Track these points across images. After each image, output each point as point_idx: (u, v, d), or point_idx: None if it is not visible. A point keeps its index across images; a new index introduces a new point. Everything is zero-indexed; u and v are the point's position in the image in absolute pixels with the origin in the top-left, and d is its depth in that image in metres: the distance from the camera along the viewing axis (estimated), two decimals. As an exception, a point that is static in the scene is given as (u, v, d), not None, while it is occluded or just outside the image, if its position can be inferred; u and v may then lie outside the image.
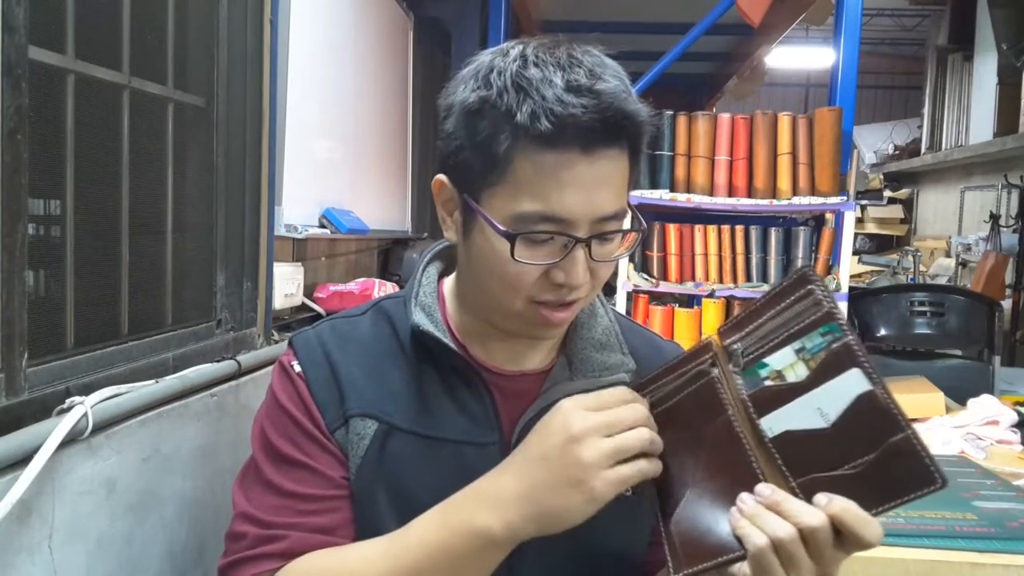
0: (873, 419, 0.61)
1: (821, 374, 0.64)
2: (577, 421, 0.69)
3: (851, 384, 0.63)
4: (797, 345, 0.66)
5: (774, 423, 0.65)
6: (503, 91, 0.74)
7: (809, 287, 0.67)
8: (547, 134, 0.72)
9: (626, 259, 2.25)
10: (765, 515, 0.63)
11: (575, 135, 0.73)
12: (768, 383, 0.67)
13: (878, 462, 0.61)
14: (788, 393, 0.65)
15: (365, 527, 0.81)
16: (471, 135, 0.77)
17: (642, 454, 0.70)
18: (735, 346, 0.70)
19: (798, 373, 0.65)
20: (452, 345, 0.84)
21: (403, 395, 0.84)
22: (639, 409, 0.72)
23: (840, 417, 0.62)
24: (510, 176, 0.75)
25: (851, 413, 0.62)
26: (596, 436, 0.68)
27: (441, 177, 0.83)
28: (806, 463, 0.63)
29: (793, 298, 0.68)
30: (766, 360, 0.67)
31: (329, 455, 0.82)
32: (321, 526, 0.80)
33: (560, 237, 0.76)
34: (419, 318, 0.85)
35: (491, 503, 0.71)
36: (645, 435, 0.70)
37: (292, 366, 0.85)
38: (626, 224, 0.80)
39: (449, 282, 0.92)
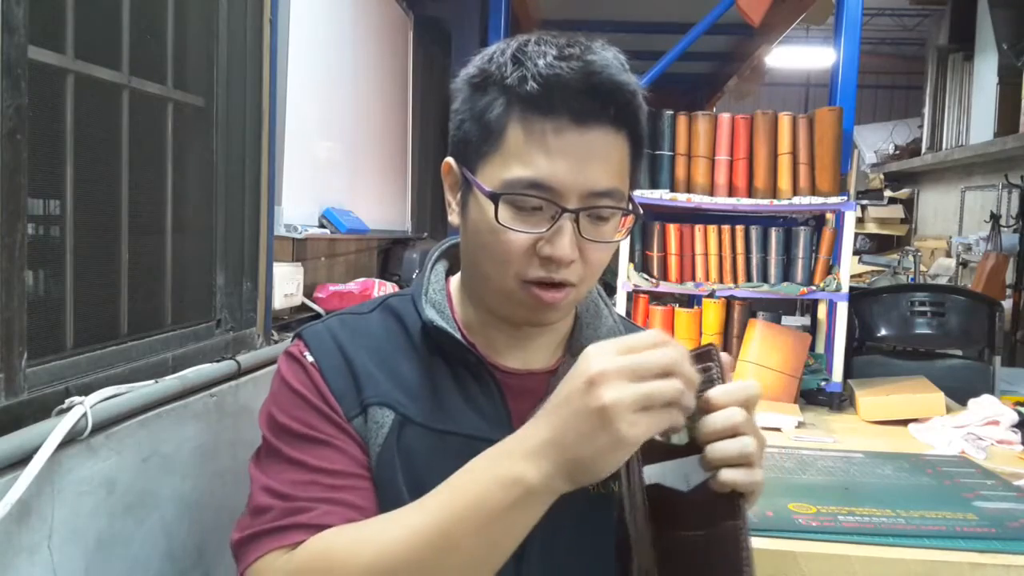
0: (717, 500, 0.67)
1: (696, 445, 0.68)
2: (597, 362, 0.65)
3: None
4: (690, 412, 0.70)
5: (652, 473, 0.70)
6: (502, 65, 0.78)
7: (708, 363, 0.71)
8: (536, 98, 0.75)
9: (626, 259, 2.25)
10: None
11: (563, 100, 0.75)
12: (657, 437, 0.68)
13: (709, 539, 0.66)
14: (669, 452, 0.70)
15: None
16: (472, 107, 0.80)
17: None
18: None
19: (681, 438, 0.69)
20: (464, 343, 0.85)
21: (416, 389, 0.84)
22: (669, 353, 0.65)
23: (697, 487, 0.68)
24: (502, 144, 0.77)
25: (703, 487, 0.67)
26: (618, 378, 0.64)
27: (448, 159, 0.85)
28: (662, 517, 0.70)
29: (697, 368, 0.70)
30: None
31: (349, 438, 0.81)
32: (350, 502, 0.77)
33: (549, 207, 0.76)
34: (431, 315, 0.85)
35: (523, 452, 0.67)
36: (677, 385, 0.64)
37: (304, 356, 0.85)
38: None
39: (455, 280, 0.93)
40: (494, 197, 0.77)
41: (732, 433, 0.68)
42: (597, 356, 0.66)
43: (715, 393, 0.69)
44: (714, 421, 0.68)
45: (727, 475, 0.67)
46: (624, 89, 0.77)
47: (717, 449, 0.68)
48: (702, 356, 0.71)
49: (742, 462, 0.68)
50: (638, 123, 0.80)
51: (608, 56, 0.78)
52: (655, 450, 0.70)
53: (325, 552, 0.72)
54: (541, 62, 0.75)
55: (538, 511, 0.68)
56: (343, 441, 0.81)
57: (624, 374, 0.64)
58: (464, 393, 0.85)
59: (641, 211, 0.84)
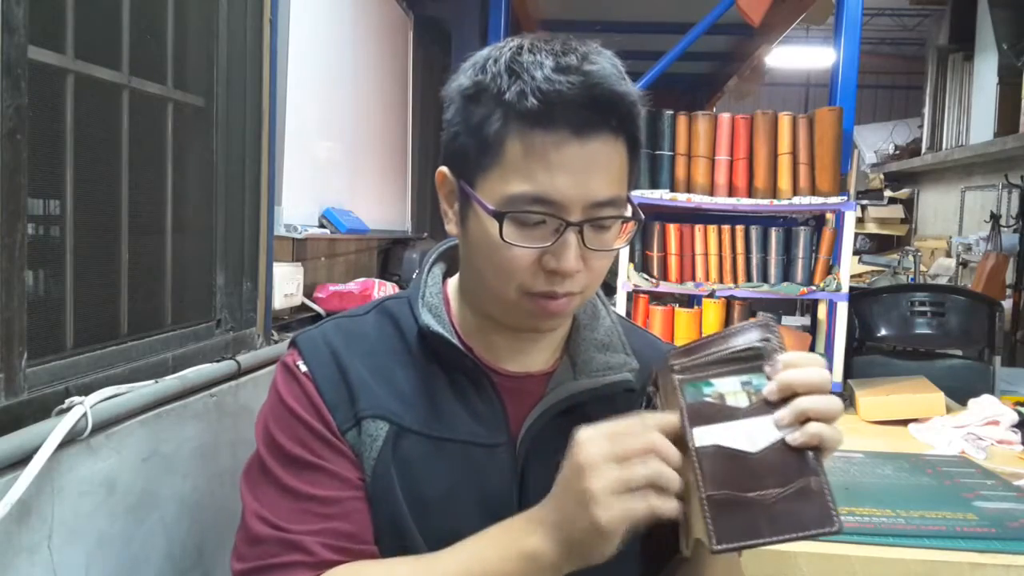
0: (793, 458, 0.68)
1: (762, 407, 0.70)
2: (586, 449, 0.68)
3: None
4: (744, 379, 0.72)
5: (706, 435, 0.69)
6: (497, 75, 0.76)
7: (768, 336, 0.73)
8: (535, 113, 0.73)
9: (626, 259, 2.25)
10: None
11: (563, 114, 0.73)
12: (708, 400, 0.71)
13: (785, 497, 0.66)
14: (726, 414, 0.70)
15: (385, 528, 0.80)
16: (467, 120, 0.78)
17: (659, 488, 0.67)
18: (679, 364, 0.76)
19: (739, 401, 0.71)
20: (460, 347, 0.84)
21: (411, 396, 0.83)
22: (649, 438, 0.68)
23: (766, 448, 0.68)
24: (501, 158, 0.76)
25: (776, 447, 0.68)
26: (604, 464, 0.66)
27: (443, 168, 0.84)
28: (722, 479, 0.68)
29: (751, 338, 0.74)
30: (713, 382, 0.72)
31: (342, 456, 0.81)
32: (343, 532, 0.78)
33: (552, 220, 0.76)
34: (428, 319, 0.85)
35: (537, 528, 0.71)
36: (652, 466, 0.66)
37: (297, 366, 0.84)
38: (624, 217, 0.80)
39: (453, 283, 0.92)
40: (499, 216, 0.75)
41: (821, 389, 0.70)
42: (586, 443, 0.68)
43: (796, 356, 0.71)
44: (808, 375, 0.69)
45: (818, 428, 0.68)
46: (625, 100, 0.76)
47: (811, 402, 0.69)
48: (764, 327, 0.74)
49: (829, 417, 0.69)
50: (636, 128, 0.79)
51: (606, 64, 0.76)
52: (703, 412, 0.70)
53: None
54: (539, 74, 0.74)
55: None
56: (335, 463, 0.81)
57: (609, 458, 0.67)
58: (461, 398, 0.84)
59: (643, 216, 0.83)
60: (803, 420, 0.68)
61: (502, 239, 0.76)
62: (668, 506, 0.67)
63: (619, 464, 0.66)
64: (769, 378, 0.71)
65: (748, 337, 0.74)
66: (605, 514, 0.65)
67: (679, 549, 0.74)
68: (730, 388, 0.71)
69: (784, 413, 0.69)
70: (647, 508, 0.66)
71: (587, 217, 0.76)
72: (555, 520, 0.70)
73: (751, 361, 0.72)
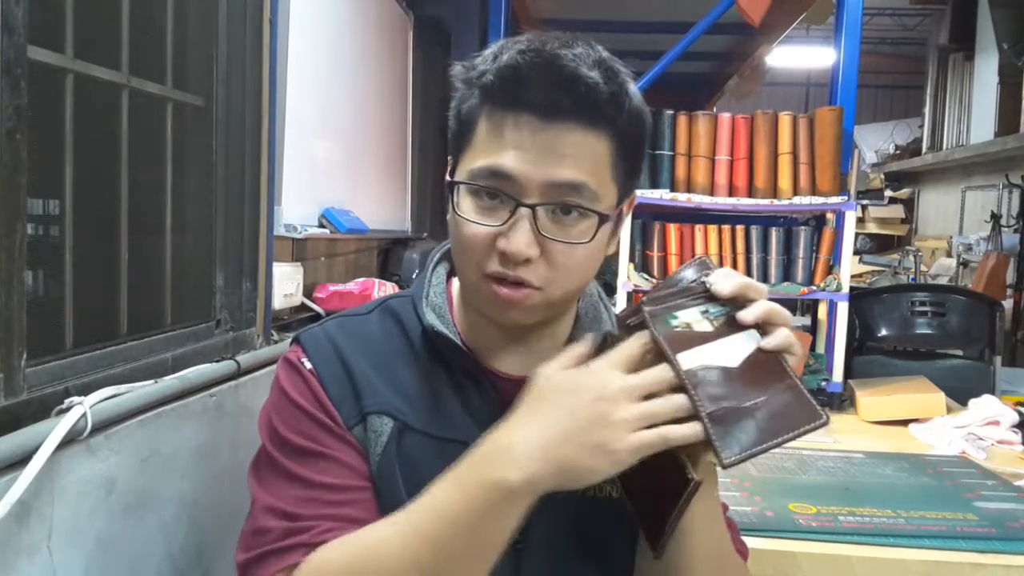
0: (769, 365, 0.72)
1: (728, 328, 0.74)
2: (612, 381, 0.68)
3: (751, 338, 0.74)
4: (702, 308, 0.76)
5: (689, 358, 0.71)
6: (483, 60, 0.78)
7: (708, 269, 0.79)
8: (494, 90, 0.76)
9: (626, 259, 2.25)
10: None
11: (522, 93, 0.74)
12: (678, 330, 0.74)
13: (772, 402, 0.70)
14: (700, 338, 0.73)
15: None
16: (456, 104, 0.81)
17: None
18: (648, 308, 0.78)
19: (704, 327, 0.74)
20: (463, 348, 0.84)
21: (414, 395, 0.83)
22: (668, 370, 0.70)
23: (744, 361, 0.72)
24: (473, 137, 0.78)
25: (752, 359, 0.72)
26: (628, 398, 0.67)
27: (450, 157, 0.85)
28: (715, 395, 0.70)
29: (698, 275, 0.79)
30: (676, 314, 0.75)
31: (349, 447, 0.81)
32: (351, 517, 0.78)
33: (508, 201, 0.76)
34: (432, 319, 0.85)
35: (507, 456, 0.68)
36: (677, 402, 0.68)
37: (302, 362, 0.84)
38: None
39: (456, 283, 0.92)
40: (450, 186, 0.78)
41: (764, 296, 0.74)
42: (609, 374, 0.69)
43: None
44: (752, 283, 0.74)
45: (785, 332, 0.72)
46: (582, 81, 0.73)
47: (769, 305, 0.73)
48: (700, 264, 0.80)
49: (785, 322, 0.73)
50: (615, 122, 0.77)
51: (580, 52, 0.75)
52: (679, 339, 0.73)
53: (323, 571, 0.73)
54: (505, 56, 0.76)
55: (522, 509, 0.69)
56: (343, 452, 0.80)
57: (633, 392, 0.68)
58: (463, 399, 0.84)
59: (609, 216, 0.79)
60: (770, 325, 0.72)
61: (453, 210, 0.78)
62: (681, 433, 0.67)
63: (640, 398, 0.68)
64: (722, 300, 0.74)
65: (689, 273, 0.79)
66: (625, 449, 0.66)
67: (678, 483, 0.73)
68: (693, 317, 0.75)
69: (750, 313, 0.72)
70: (662, 441, 0.67)
71: (544, 200, 0.75)
72: (548, 446, 0.67)
73: (702, 293, 0.77)
